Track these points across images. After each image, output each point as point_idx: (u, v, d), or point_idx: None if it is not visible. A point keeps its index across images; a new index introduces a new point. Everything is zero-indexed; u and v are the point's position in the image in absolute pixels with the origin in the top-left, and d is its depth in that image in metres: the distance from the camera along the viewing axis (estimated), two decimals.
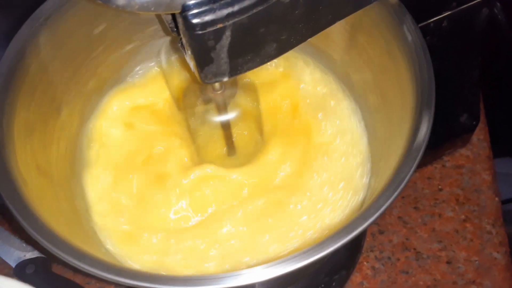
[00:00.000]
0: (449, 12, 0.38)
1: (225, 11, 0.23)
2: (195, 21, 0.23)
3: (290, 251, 0.36)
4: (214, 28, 0.24)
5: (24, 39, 0.33)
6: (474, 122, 0.48)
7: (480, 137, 0.52)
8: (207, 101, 0.37)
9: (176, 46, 0.39)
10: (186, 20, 0.23)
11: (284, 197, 0.38)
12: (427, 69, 0.31)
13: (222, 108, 0.36)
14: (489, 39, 0.43)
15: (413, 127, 0.30)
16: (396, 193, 0.27)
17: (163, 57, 0.39)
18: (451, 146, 0.50)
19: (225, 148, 0.40)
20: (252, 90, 0.38)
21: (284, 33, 0.27)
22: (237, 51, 0.26)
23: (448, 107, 0.45)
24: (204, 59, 0.26)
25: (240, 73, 0.27)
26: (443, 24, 0.39)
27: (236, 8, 0.23)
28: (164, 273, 0.35)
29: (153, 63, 0.43)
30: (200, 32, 0.24)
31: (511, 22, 0.45)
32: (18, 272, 0.44)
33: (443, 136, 0.48)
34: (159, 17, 0.38)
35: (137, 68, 0.43)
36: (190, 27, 0.24)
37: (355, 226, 0.26)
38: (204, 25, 0.24)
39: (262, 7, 0.24)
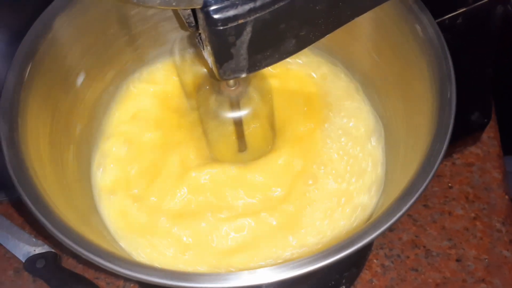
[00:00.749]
0: (464, 9, 0.38)
1: (247, 7, 0.23)
2: (216, 16, 0.23)
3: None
4: (235, 23, 0.24)
5: (42, 28, 0.33)
6: (486, 120, 0.48)
7: (490, 135, 0.52)
8: (221, 97, 0.36)
9: (190, 42, 0.38)
10: (207, 15, 0.23)
11: (295, 195, 0.38)
12: (446, 67, 0.31)
13: (235, 105, 0.36)
14: (503, 36, 0.43)
15: (432, 130, 0.30)
16: (412, 201, 0.27)
17: (176, 52, 0.39)
18: (461, 144, 0.50)
19: (236, 144, 0.40)
20: (265, 87, 0.37)
21: (304, 29, 0.26)
22: (257, 47, 0.25)
23: (460, 104, 0.44)
24: (223, 55, 0.25)
25: (259, 69, 0.27)
26: (458, 21, 0.39)
27: (258, 3, 0.23)
28: (173, 269, 0.35)
29: (168, 59, 0.43)
30: (221, 27, 0.23)
31: None
32: (28, 267, 0.44)
33: (454, 134, 0.48)
34: (175, 12, 0.38)
35: (152, 64, 0.43)
36: (211, 22, 0.23)
37: (364, 237, 0.26)
38: (225, 20, 0.23)
39: (284, 3, 0.24)
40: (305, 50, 0.28)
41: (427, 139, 0.29)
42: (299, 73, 0.43)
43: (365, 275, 0.45)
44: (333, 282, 0.43)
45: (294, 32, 0.26)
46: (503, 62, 0.52)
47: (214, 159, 0.40)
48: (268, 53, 0.26)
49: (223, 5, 0.23)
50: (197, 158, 0.40)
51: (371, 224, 0.27)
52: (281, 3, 0.24)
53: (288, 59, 0.31)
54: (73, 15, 0.34)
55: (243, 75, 0.27)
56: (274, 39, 0.26)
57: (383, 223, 0.27)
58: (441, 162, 0.28)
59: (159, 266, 0.33)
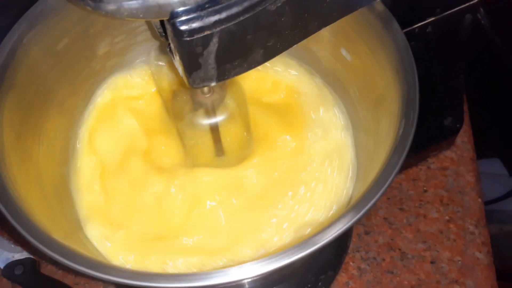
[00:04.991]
0: (433, 18, 0.39)
1: (212, 19, 0.24)
2: (183, 28, 0.24)
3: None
4: (202, 35, 0.24)
5: (14, 40, 0.34)
6: (458, 125, 0.49)
7: (464, 139, 0.53)
8: (196, 104, 0.37)
9: (164, 50, 0.39)
10: (174, 27, 0.24)
11: (269, 195, 0.39)
12: (412, 73, 0.32)
13: (210, 111, 0.37)
14: (473, 43, 0.44)
15: (397, 130, 0.31)
16: (380, 192, 0.28)
17: (152, 60, 0.40)
18: (436, 148, 0.51)
19: (213, 149, 0.41)
20: (240, 93, 0.38)
21: (271, 40, 0.27)
22: (224, 57, 0.26)
23: (433, 110, 0.46)
24: (192, 64, 0.26)
25: (228, 78, 0.28)
26: (428, 30, 0.40)
27: (223, 15, 0.24)
28: (151, 271, 0.35)
29: (143, 66, 0.43)
30: (187, 38, 0.24)
31: (494, 27, 0.46)
32: (7, 273, 0.44)
33: (428, 139, 0.49)
34: (148, 22, 0.38)
35: (128, 70, 0.43)
36: (178, 33, 0.24)
37: (342, 223, 0.27)
38: (191, 32, 0.24)
39: (249, 15, 0.25)
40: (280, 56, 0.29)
41: (392, 142, 0.30)
42: (272, 79, 0.43)
43: (341, 277, 0.46)
44: (309, 285, 0.43)
45: (261, 43, 0.27)
46: (475, 67, 0.53)
47: (191, 164, 0.41)
48: (236, 63, 0.27)
49: (189, 17, 0.24)
50: (174, 164, 0.40)
51: (349, 210, 0.27)
52: (246, 15, 0.24)
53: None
54: (44, 29, 0.34)
55: (213, 84, 0.28)
56: (241, 50, 0.26)
57: (360, 207, 0.27)
58: (403, 168, 0.29)
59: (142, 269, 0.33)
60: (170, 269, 0.36)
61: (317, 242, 0.26)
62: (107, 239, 0.37)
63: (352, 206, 0.28)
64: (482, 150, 0.55)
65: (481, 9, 0.43)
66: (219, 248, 0.36)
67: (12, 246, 0.46)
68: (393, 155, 0.29)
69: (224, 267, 0.26)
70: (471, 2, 0.40)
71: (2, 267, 0.45)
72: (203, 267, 0.36)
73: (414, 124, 0.30)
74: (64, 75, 0.38)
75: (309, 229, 0.36)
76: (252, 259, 0.34)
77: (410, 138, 0.29)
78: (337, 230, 0.26)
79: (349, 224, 0.27)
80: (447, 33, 0.41)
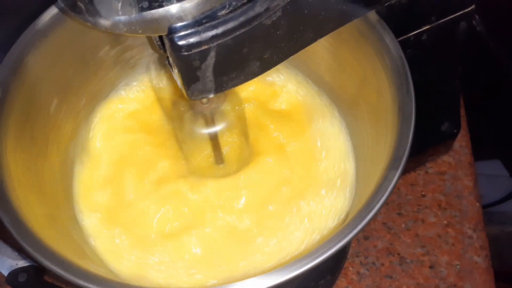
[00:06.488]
0: (428, 26, 0.40)
1: (209, 34, 0.25)
2: (181, 43, 0.24)
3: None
4: (199, 49, 0.25)
5: (19, 53, 0.34)
6: (455, 130, 0.50)
7: (462, 144, 0.54)
8: (195, 114, 0.38)
9: (164, 62, 0.40)
10: (172, 42, 0.25)
11: (271, 203, 0.39)
12: (407, 83, 0.33)
13: (209, 120, 0.38)
14: (469, 49, 0.45)
15: (394, 140, 0.31)
16: (379, 205, 0.28)
17: (152, 71, 0.40)
18: (433, 153, 0.52)
19: (213, 157, 0.41)
20: (238, 102, 0.39)
21: (267, 52, 0.28)
22: (222, 70, 0.27)
23: (430, 115, 0.46)
24: (190, 77, 0.27)
25: (226, 89, 0.28)
26: (423, 38, 0.40)
27: (220, 30, 0.25)
28: (150, 285, 0.36)
29: (143, 76, 0.44)
30: (185, 53, 0.25)
31: (489, 33, 0.46)
32: (11, 281, 0.45)
33: (426, 144, 0.50)
34: (148, 35, 0.39)
35: (128, 81, 0.44)
36: (176, 48, 0.25)
37: (343, 235, 0.27)
38: (189, 46, 0.25)
39: (245, 29, 0.25)
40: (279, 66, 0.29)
41: (389, 152, 0.30)
42: (271, 88, 0.44)
43: (341, 282, 0.46)
44: None
45: (258, 55, 0.27)
46: (472, 74, 0.54)
47: (191, 173, 0.41)
48: (233, 75, 0.28)
49: (187, 32, 0.24)
50: (174, 173, 0.41)
51: (346, 226, 0.28)
52: (243, 30, 0.25)
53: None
54: (45, 45, 0.35)
55: (211, 95, 0.28)
56: (238, 62, 0.27)
57: (356, 224, 0.28)
58: (401, 173, 0.29)
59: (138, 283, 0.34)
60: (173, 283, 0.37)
61: (318, 256, 0.27)
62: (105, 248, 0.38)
63: (349, 222, 0.28)
64: (481, 153, 0.55)
65: (476, 16, 0.43)
66: (221, 258, 0.37)
67: (16, 254, 0.46)
68: (389, 170, 0.30)
69: (227, 280, 0.26)
70: (466, 10, 0.40)
71: (6, 275, 0.45)
72: (203, 281, 0.36)
73: (410, 140, 0.30)
74: (64, 90, 0.38)
75: (318, 237, 0.37)
76: (256, 271, 0.35)
77: (406, 153, 0.30)
78: (336, 244, 0.27)
79: (352, 234, 0.27)
80: (443, 40, 0.42)
